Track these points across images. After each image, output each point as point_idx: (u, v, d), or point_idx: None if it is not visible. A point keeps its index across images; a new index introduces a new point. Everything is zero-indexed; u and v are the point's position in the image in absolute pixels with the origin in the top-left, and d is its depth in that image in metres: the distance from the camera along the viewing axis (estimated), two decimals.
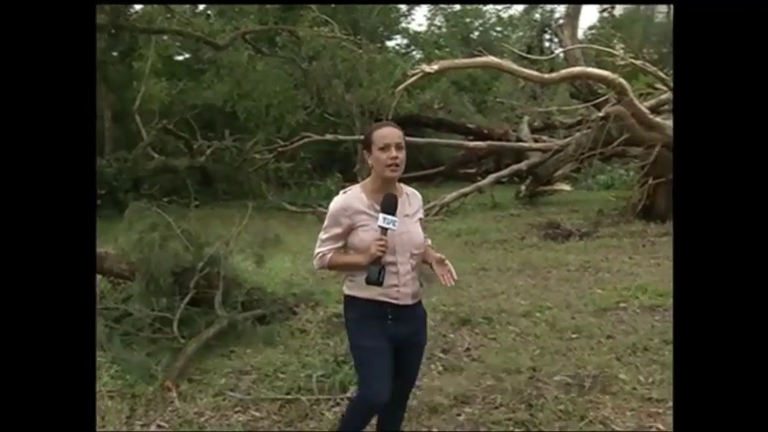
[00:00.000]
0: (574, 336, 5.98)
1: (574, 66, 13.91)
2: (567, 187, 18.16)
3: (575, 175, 19.48)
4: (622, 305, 6.90)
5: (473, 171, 21.92)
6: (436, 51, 28.27)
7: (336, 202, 3.36)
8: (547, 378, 5.02)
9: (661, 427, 4.20)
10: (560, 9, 34.16)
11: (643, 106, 12.81)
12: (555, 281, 8.29)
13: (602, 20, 53.29)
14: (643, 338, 5.77)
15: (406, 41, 33.43)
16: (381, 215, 3.24)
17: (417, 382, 4.97)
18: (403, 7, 30.87)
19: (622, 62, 12.66)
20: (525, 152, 18.31)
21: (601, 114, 13.36)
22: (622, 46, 30.47)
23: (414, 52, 32.24)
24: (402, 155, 3.30)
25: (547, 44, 34.30)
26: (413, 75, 11.69)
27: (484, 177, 18.00)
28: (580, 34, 20.84)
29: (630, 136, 13.09)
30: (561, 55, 16.16)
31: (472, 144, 19.44)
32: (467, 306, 6.95)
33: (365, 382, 3.41)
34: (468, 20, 35.21)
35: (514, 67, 12.62)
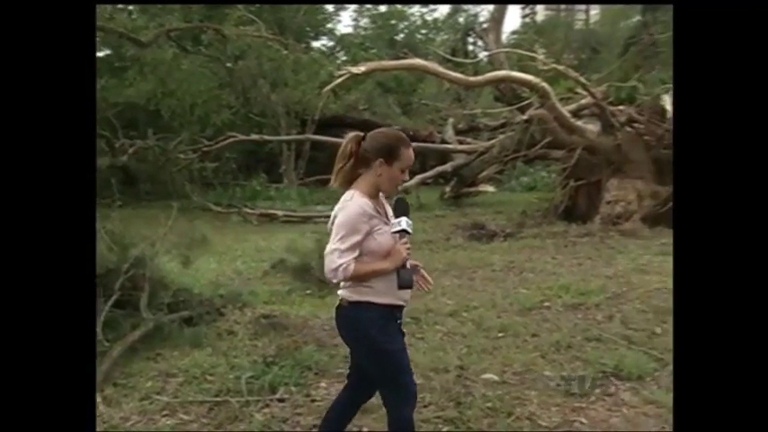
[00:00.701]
0: (500, 334, 6.09)
1: (498, 69, 14.18)
2: (491, 189, 18.44)
3: (498, 177, 19.78)
4: (546, 304, 7.06)
5: None
6: (362, 53, 28.30)
7: (352, 208, 3.17)
8: (474, 376, 5.10)
9: (584, 420, 4.32)
10: (484, 13, 34.67)
11: (565, 110, 13.12)
12: (480, 281, 8.42)
13: (524, 25, 54.24)
14: (566, 336, 5.91)
15: (331, 43, 33.40)
16: (404, 219, 3.22)
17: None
18: (329, 8, 30.86)
19: (545, 67, 12.95)
20: (450, 154, 18.52)
21: (524, 117, 13.64)
22: (544, 51, 31.16)
23: (339, 53, 32.23)
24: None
25: (471, 47, 34.78)
26: (340, 76, 11.72)
27: (409, 178, 18.10)
28: (503, 38, 21.19)
29: (553, 139, 13.40)
30: (485, 58, 16.42)
31: None
32: None
33: (408, 386, 3.38)
34: (393, 22, 35.37)
35: (440, 69, 12.78)
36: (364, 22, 35.87)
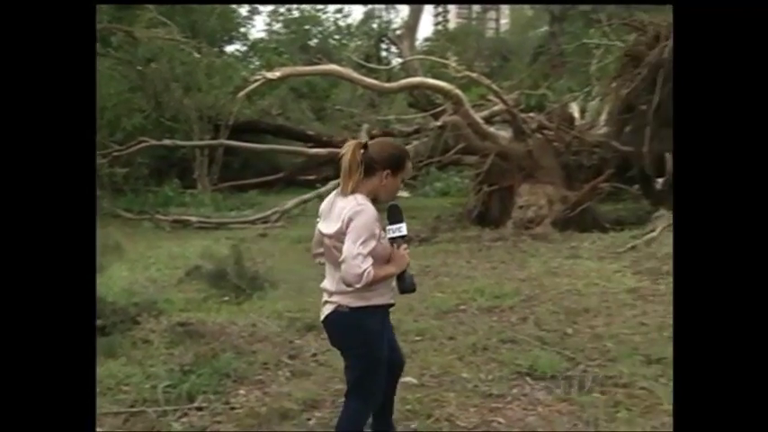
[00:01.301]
0: (417, 338, 6.16)
1: (412, 76, 14.35)
2: (405, 194, 18.61)
3: (412, 183, 19.98)
4: (462, 307, 7.17)
5: (313, 177, 22.01)
6: (275, 57, 28.16)
7: (369, 212, 3.20)
8: None
9: (501, 420, 4.42)
10: (398, 20, 34.97)
11: (478, 117, 13.38)
12: None
13: (436, 32, 54.99)
14: (482, 338, 6.02)
15: (245, 47, 33.12)
16: (403, 225, 3.34)
17: (266, 389, 5.02)
18: (243, 12, 30.58)
19: (458, 74, 13.18)
20: None
21: (438, 124, 13.83)
22: (456, 58, 31.62)
23: (253, 58, 31.98)
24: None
25: (384, 54, 35.01)
26: (254, 80, 11.67)
27: (324, 184, 18.12)
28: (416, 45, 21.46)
29: (466, 145, 13.63)
30: (399, 65, 16.58)
31: (313, 151, 19.52)
32: (312, 312, 6.95)
33: (373, 394, 3.54)
34: (307, 27, 35.33)
35: (356, 75, 12.85)
36: (278, 26, 35.73)
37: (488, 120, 14.68)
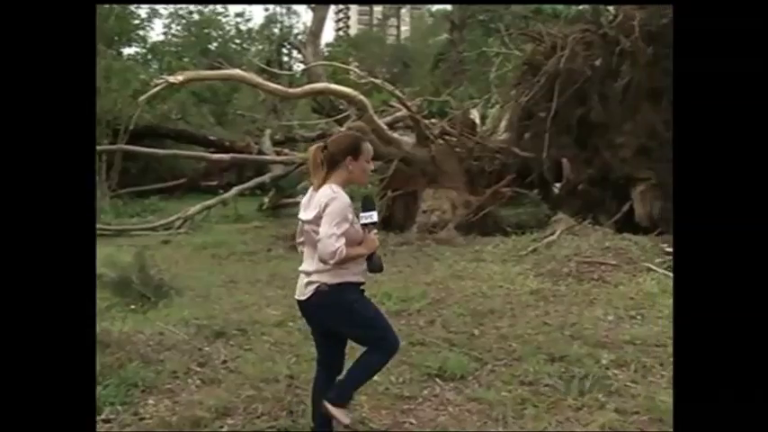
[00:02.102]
0: None
1: (316, 82, 14.34)
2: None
3: None
4: None
5: (215, 183, 21.75)
6: (175, 61, 27.64)
7: (341, 199, 3.60)
8: (305, 385, 5.13)
9: (413, 421, 4.50)
10: (299, 25, 34.96)
11: (381, 123, 13.50)
12: None
13: (338, 38, 55.04)
14: None
15: (144, 50, 32.35)
16: (374, 213, 3.76)
17: (176, 398, 4.93)
18: (142, 14, 29.88)
19: (362, 80, 13.27)
20: (268, 165, 18.49)
21: (342, 129, 13.87)
22: (357, 64, 31.78)
23: (152, 61, 31.29)
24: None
25: (285, 59, 34.91)
26: (156, 84, 11.42)
27: (226, 190, 17.93)
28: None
29: None
30: (302, 70, 16.57)
31: (216, 156, 19.29)
32: (220, 318, 6.92)
33: (392, 335, 3.93)
34: (206, 31, 34.82)
35: (261, 80, 12.76)
36: (177, 29, 35.06)
37: (391, 126, 14.83)
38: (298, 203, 16.30)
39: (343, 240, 3.53)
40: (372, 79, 13.39)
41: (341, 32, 79.00)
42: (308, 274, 3.79)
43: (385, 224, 13.29)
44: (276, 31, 36.24)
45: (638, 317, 6.82)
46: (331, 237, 3.52)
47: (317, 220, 3.61)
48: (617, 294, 7.68)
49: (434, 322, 6.77)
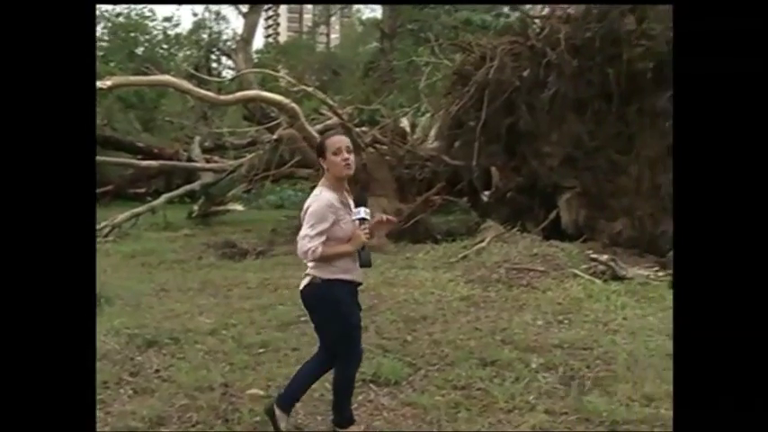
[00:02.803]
0: (261, 350, 6.18)
1: (247, 89, 14.29)
2: (239, 207, 18.46)
3: (246, 196, 19.84)
4: (303, 318, 7.19)
5: (143, 191, 21.40)
6: (102, 65, 27.08)
7: (319, 201, 3.89)
8: (240, 393, 5.16)
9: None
10: (228, 31, 34.66)
11: (313, 130, 13.53)
12: (237, 298, 8.44)
13: (267, 45, 54.75)
14: None
15: None
16: (363, 209, 3.96)
17: (108, 408, 4.88)
18: None
19: (293, 87, 13.27)
20: (197, 172, 18.29)
21: (274, 137, 13.86)
22: (287, 71, 31.72)
23: None
24: (353, 156, 3.99)
25: (214, 65, 34.58)
26: None
27: (155, 197, 17.67)
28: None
29: (301, 158, 13.74)
30: (232, 77, 16.48)
31: (144, 163, 18.97)
32: (151, 327, 6.84)
33: (356, 353, 4.25)
34: (133, 34, 34.19)
35: (192, 87, 12.66)
36: (102, 32, 34.33)
37: (322, 133, 14.84)
38: (228, 211, 16.30)
39: (318, 240, 3.83)
40: (304, 87, 13.42)
41: (270, 39, 78.61)
42: (308, 267, 4.08)
43: None
44: (205, 36, 35.83)
45: (566, 321, 7.02)
46: (305, 237, 3.85)
47: (302, 220, 3.96)
48: (545, 300, 7.88)
49: (368, 329, 6.81)
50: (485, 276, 9.00)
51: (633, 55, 11.59)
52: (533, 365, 5.64)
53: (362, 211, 3.97)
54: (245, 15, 16.92)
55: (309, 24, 65.05)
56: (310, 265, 4.03)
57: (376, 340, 6.41)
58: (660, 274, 9.12)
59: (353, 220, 3.96)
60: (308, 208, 3.93)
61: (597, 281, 8.81)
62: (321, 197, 3.90)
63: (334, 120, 14.36)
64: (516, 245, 10.42)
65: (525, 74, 12.84)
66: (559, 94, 12.15)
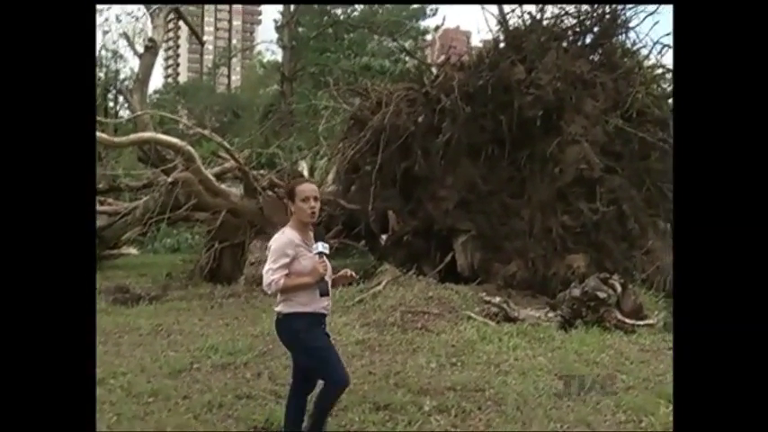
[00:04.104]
0: (150, 399, 6.02)
1: (143, 130, 14.07)
2: (133, 251, 18.04)
3: (141, 239, 19.40)
4: (196, 365, 7.11)
5: None
6: None
7: (280, 239, 4.29)
8: None
9: None
10: (126, 70, 34.09)
11: (209, 173, 13.41)
12: (127, 346, 8.21)
13: (166, 85, 54.07)
14: (217, 396, 6.03)
15: None
16: (320, 243, 4.29)
17: None
18: None
19: (190, 131, 13.15)
20: None
21: (169, 180, 13.65)
22: (186, 112, 31.37)
23: None
24: (318, 205, 4.38)
25: (110, 104, 33.92)
26: None
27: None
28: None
29: (197, 201, 13.56)
30: (127, 118, 16.20)
31: None
32: None
33: (335, 372, 4.40)
34: None
35: None
36: None
37: (220, 176, 14.75)
38: (122, 255, 15.90)
39: (279, 273, 4.21)
40: (200, 130, 13.31)
41: (170, 79, 77.69)
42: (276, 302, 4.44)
43: (212, 276, 13.16)
44: (101, 75, 35.13)
45: (459, 363, 7.13)
46: (267, 272, 4.24)
47: None
48: (439, 342, 7.99)
49: (261, 375, 6.77)
50: (380, 320, 9.06)
51: (523, 102, 12.06)
52: (426, 408, 5.69)
53: (320, 246, 4.29)
54: (140, 56, 16.68)
55: (210, 65, 64.74)
56: (277, 301, 4.41)
57: (269, 386, 6.36)
58: (550, 314, 9.37)
59: (313, 255, 4.29)
60: (269, 246, 4.33)
61: (490, 323, 9.01)
62: (283, 236, 4.30)
63: (232, 163, 14.27)
64: (412, 288, 10.55)
65: (420, 119, 13.13)
66: (453, 139, 12.47)
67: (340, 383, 4.46)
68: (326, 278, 4.36)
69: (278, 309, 4.43)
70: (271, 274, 4.24)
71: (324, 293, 4.33)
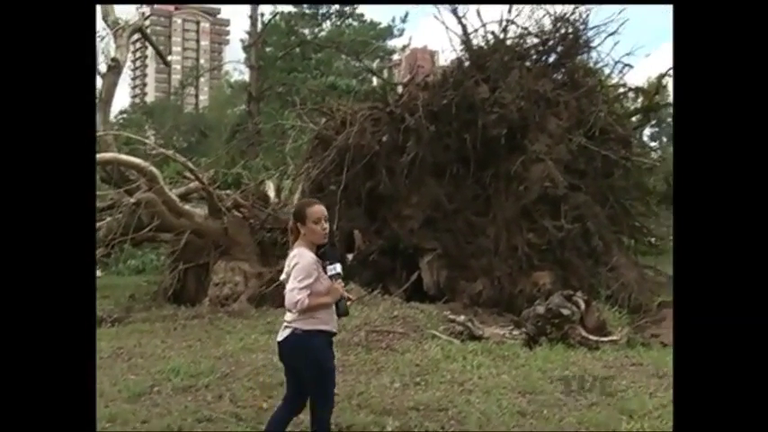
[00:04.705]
0: (108, 424, 5.90)
1: (105, 150, 13.93)
2: (97, 272, 17.79)
3: (105, 260, 19.15)
4: (156, 389, 7.00)
5: None
6: None
7: (305, 259, 4.33)
8: None
9: None
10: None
11: (173, 194, 13.30)
12: None
13: (133, 105, 53.73)
14: (177, 419, 5.94)
15: None
16: (338, 264, 4.41)
17: None
18: None
19: (153, 151, 13.05)
20: None
21: (132, 200, 13.50)
22: (153, 132, 31.15)
23: None
24: (328, 226, 4.50)
25: None
26: None
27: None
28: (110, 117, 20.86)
29: (161, 222, 13.43)
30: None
31: None
32: None
33: (332, 396, 4.62)
34: None
35: None
36: None
37: (185, 197, 14.64)
38: None
39: (305, 292, 4.25)
40: (163, 150, 13.22)
41: (137, 99, 77.25)
42: (287, 321, 4.48)
43: (176, 298, 13.02)
44: None
45: (422, 383, 7.09)
46: (293, 290, 4.27)
47: (288, 279, 4.36)
48: (403, 362, 7.95)
49: (222, 397, 6.68)
50: (345, 340, 8.99)
51: (487, 121, 12.13)
52: (389, 428, 5.66)
53: (338, 267, 4.40)
54: (102, 75, 16.54)
55: (177, 85, 64.48)
56: (289, 318, 4.46)
57: (230, 408, 6.28)
58: (515, 332, 9.38)
59: (330, 276, 4.38)
60: (295, 264, 4.34)
61: (455, 341, 8.99)
62: (305, 256, 4.35)
63: (197, 183, 14.18)
64: (377, 307, 10.52)
65: (385, 138, 13.15)
66: (418, 158, 12.50)
67: (332, 406, 4.67)
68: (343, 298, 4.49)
69: (295, 325, 4.44)
70: (296, 293, 4.29)
71: (343, 313, 4.48)
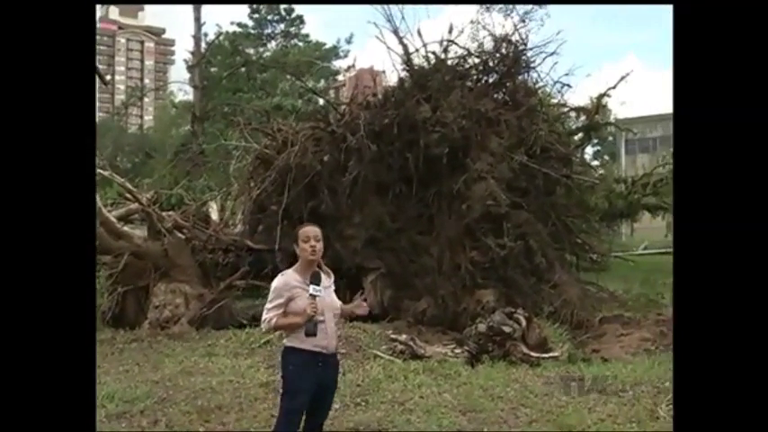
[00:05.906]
0: None
1: None
2: None
3: None
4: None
5: None
6: None
7: (278, 281, 4.65)
8: None
9: None
10: None
11: (112, 216, 13.06)
12: None
13: None
14: None
15: None
16: (312, 286, 4.53)
17: None
18: None
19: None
20: None
21: None
22: (96, 153, 30.59)
23: None
24: (320, 245, 4.69)
25: None
26: None
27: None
28: None
29: (99, 244, 13.15)
30: None
31: None
32: None
33: (290, 418, 4.65)
34: None
35: None
36: None
37: (125, 218, 14.39)
38: None
39: (273, 312, 4.58)
40: (101, 171, 12.99)
41: None
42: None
43: (115, 321, 12.72)
44: None
45: (363, 403, 7.05)
46: (264, 311, 4.64)
47: None
48: (344, 382, 7.86)
49: (158, 422, 6.55)
50: None
51: (429, 140, 12.19)
52: None
53: (311, 288, 4.55)
54: None
55: (119, 105, 63.69)
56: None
57: None
58: (457, 350, 9.38)
59: (309, 296, 4.53)
60: (271, 287, 4.68)
61: (397, 360, 8.96)
62: (282, 278, 4.67)
63: (137, 205, 13.95)
64: None
65: (326, 158, 13.12)
66: (360, 177, 12.49)
67: (295, 421, 4.68)
68: (319, 318, 4.54)
69: (284, 341, 4.76)
70: (266, 312, 4.63)
71: (309, 333, 4.52)
